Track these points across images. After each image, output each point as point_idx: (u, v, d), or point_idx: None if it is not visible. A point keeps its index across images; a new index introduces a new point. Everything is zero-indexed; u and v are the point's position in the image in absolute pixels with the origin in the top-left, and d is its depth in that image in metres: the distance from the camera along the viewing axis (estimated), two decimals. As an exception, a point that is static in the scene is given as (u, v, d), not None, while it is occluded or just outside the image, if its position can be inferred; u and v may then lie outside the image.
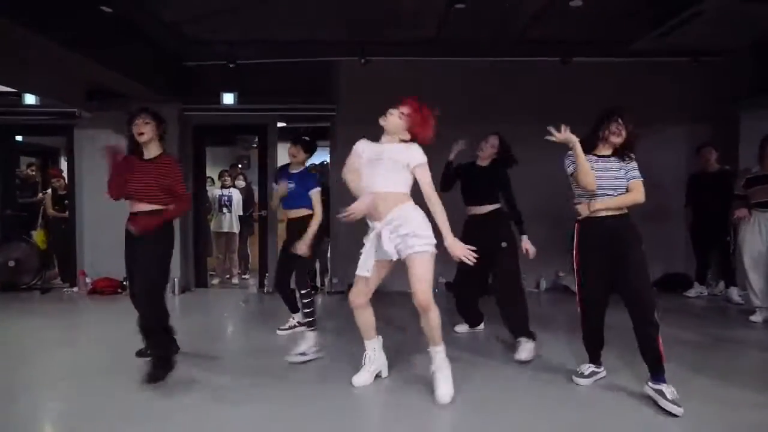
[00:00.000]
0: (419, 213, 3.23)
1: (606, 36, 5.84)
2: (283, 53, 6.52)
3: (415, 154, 3.23)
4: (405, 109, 3.25)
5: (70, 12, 4.64)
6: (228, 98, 6.79)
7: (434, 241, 3.19)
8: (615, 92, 6.67)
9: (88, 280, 6.87)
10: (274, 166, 7.39)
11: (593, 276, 3.32)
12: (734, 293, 6.07)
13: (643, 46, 5.19)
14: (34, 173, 8.33)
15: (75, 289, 6.95)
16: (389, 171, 3.21)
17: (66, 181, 7.42)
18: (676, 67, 6.63)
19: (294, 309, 4.79)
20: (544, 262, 6.83)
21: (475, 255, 3.18)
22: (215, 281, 7.96)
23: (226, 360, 4.03)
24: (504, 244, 4.32)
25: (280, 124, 7.59)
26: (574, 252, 3.40)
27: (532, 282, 7.03)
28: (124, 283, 6.73)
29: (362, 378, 3.45)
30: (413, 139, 3.29)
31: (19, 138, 8.08)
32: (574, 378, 3.47)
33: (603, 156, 3.35)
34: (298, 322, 4.75)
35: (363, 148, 3.37)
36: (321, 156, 10.53)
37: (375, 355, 3.51)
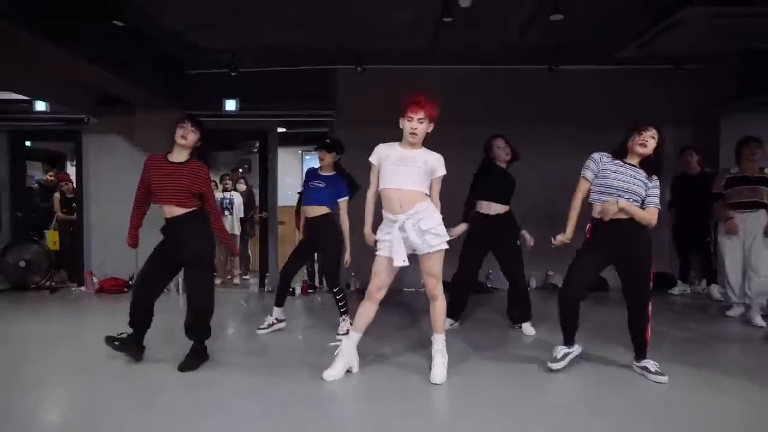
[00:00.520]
0: (437, 212, 3.54)
1: (591, 45, 6.10)
2: (283, 61, 6.79)
3: (441, 166, 3.58)
4: (421, 114, 3.48)
5: (82, 24, 4.89)
6: (230, 104, 7.06)
7: (448, 238, 3.54)
8: (601, 98, 7.03)
9: (95, 279, 7.13)
10: (275, 170, 7.69)
11: (587, 263, 3.64)
12: (715, 290, 6.32)
13: (626, 54, 5.44)
14: (52, 178, 8.59)
15: (83, 288, 7.21)
16: (420, 173, 3.48)
17: (74, 184, 7.70)
18: (659, 73, 6.91)
19: (279, 303, 4.93)
20: (535, 262, 7.15)
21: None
22: (217, 281, 8.17)
23: (228, 354, 4.22)
24: (519, 242, 4.87)
25: (280, 130, 7.86)
26: (586, 239, 3.72)
27: (522, 280, 7.31)
28: (130, 282, 7.01)
29: (334, 371, 3.57)
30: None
31: (27, 143, 8.35)
32: (549, 364, 3.70)
33: (630, 164, 3.62)
34: (276, 319, 4.95)
35: (385, 152, 3.58)
36: (315, 160, 10.86)
37: (350, 350, 3.65)
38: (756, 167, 5.25)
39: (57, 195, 7.87)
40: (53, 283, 7.28)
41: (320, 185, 4.85)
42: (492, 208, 4.81)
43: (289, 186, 9.97)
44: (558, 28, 5.02)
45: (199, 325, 3.87)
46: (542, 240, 6.56)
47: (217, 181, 9.00)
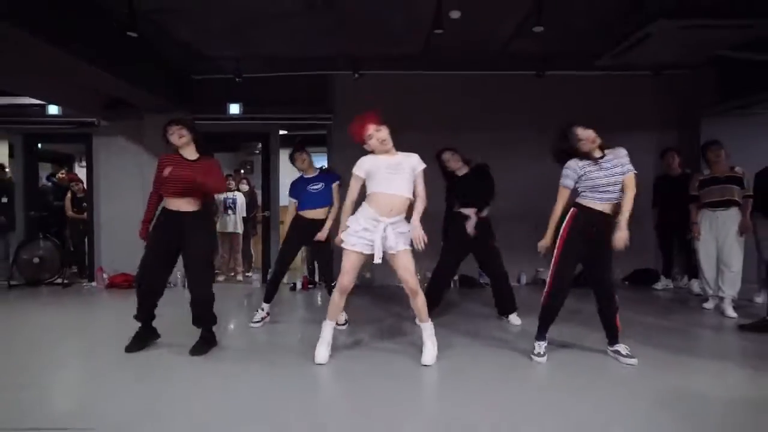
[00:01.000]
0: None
1: (574, 53, 6.42)
2: (284, 68, 7.11)
3: (420, 162, 3.88)
4: (372, 127, 3.83)
5: (95, 32, 5.21)
6: (234, 108, 7.41)
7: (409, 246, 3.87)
8: (587, 102, 7.28)
9: (105, 275, 7.47)
10: (277, 170, 8.01)
11: (573, 260, 3.91)
12: (695, 285, 6.63)
13: (605, 62, 5.75)
14: (64, 176, 8.92)
15: (94, 283, 7.55)
16: (409, 179, 3.82)
17: (84, 184, 8.04)
18: (642, 79, 7.24)
19: (269, 299, 5.21)
20: (525, 260, 7.45)
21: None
22: (221, 278, 8.50)
23: (231, 346, 4.52)
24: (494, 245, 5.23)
25: (281, 132, 8.19)
26: (563, 234, 3.91)
27: (513, 277, 7.59)
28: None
29: (323, 354, 3.93)
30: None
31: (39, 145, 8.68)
32: (534, 358, 3.99)
33: (597, 158, 3.88)
34: (267, 313, 5.25)
35: (371, 163, 3.85)
36: (319, 161, 11.17)
37: (329, 336, 4.00)
38: (726, 167, 5.56)
39: (69, 195, 8.19)
40: (65, 279, 7.60)
41: (318, 187, 5.12)
42: (467, 211, 5.12)
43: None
44: (542, 38, 5.30)
45: (204, 315, 4.22)
46: (529, 239, 6.90)
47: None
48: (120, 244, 7.46)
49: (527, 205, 7.05)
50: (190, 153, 4.21)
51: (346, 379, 3.72)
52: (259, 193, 9.06)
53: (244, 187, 9.23)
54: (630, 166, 3.86)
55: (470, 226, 5.05)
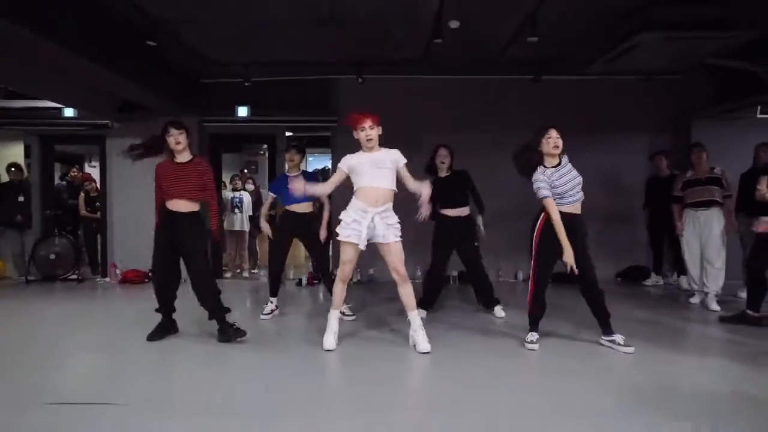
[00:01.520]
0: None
1: (570, 58, 6.70)
2: (290, 72, 7.37)
3: (401, 157, 4.22)
4: (368, 122, 4.13)
5: (109, 40, 5.50)
6: (242, 111, 7.70)
7: (400, 237, 4.20)
8: (582, 105, 7.57)
9: (118, 271, 7.76)
10: (284, 171, 8.28)
11: (550, 261, 4.20)
12: (684, 282, 6.86)
13: (597, 68, 6.02)
14: (76, 174, 9.22)
15: (107, 279, 7.85)
16: (391, 172, 4.15)
17: (97, 184, 8.33)
18: (633, 83, 7.48)
19: (274, 292, 5.55)
20: (521, 256, 7.73)
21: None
22: (228, 274, 8.77)
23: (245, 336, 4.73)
24: (476, 244, 5.48)
25: (287, 134, 8.48)
26: (536, 238, 4.22)
27: (510, 273, 7.93)
28: (150, 273, 7.63)
29: (331, 341, 4.24)
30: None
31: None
32: (527, 345, 4.26)
33: (554, 167, 4.18)
34: (276, 306, 5.57)
35: (356, 160, 4.18)
36: (323, 161, 11.47)
37: (335, 324, 4.32)
38: (706, 168, 5.84)
39: (82, 195, 8.48)
40: (79, 275, 7.90)
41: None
42: (452, 212, 5.40)
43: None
44: (537, 45, 5.57)
45: (214, 307, 4.47)
46: (526, 237, 7.17)
47: (227, 182, 9.62)
48: (132, 240, 7.74)
49: (524, 204, 7.27)
50: (184, 156, 4.49)
51: (353, 363, 4.01)
52: (264, 192, 9.32)
53: (250, 186, 9.47)
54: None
55: (481, 231, 5.45)
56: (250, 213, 9.07)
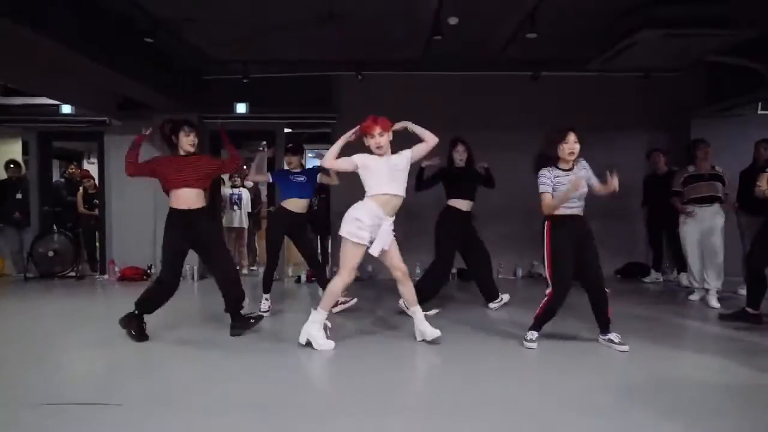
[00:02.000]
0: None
1: (569, 56, 6.69)
2: (289, 69, 7.37)
3: (406, 153, 4.21)
4: (378, 129, 4.10)
5: (108, 37, 5.49)
6: (241, 107, 7.69)
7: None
8: (580, 103, 7.54)
9: (116, 268, 7.76)
10: (282, 167, 8.28)
11: (567, 264, 4.10)
12: (684, 279, 6.86)
13: (597, 66, 6.01)
14: (74, 170, 9.21)
15: (105, 276, 7.84)
16: (405, 177, 4.19)
17: (95, 181, 8.32)
18: (632, 81, 7.48)
19: (267, 289, 5.51)
20: (520, 253, 7.77)
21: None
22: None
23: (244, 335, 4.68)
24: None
25: (286, 130, 8.46)
26: (547, 244, 4.16)
27: (509, 270, 7.93)
28: (149, 270, 7.64)
29: (322, 343, 4.16)
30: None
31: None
32: (526, 344, 4.22)
33: (566, 170, 4.14)
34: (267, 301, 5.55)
35: (373, 163, 4.13)
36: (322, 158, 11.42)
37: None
38: (708, 165, 5.84)
39: (80, 192, 8.47)
40: (78, 272, 7.90)
41: (301, 178, 5.45)
42: (462, 205, 5.46)
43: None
44: (536, 43, 5.57)
45: (240, 296, 4.47)
46: (526, 233, 7.16)
47: (226, 178, 9.59)
48: (130, 238, 7.75)
49: (523, 201, 7.27)
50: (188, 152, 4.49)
51: (351, 362, 3.99)
52: (263, 189, 9.33)
53: (249, 183, 9.47)
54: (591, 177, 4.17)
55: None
56: (249, 209, 9.08)
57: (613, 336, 4.19)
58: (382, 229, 4.10)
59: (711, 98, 7.30)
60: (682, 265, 6.98)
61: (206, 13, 5.39)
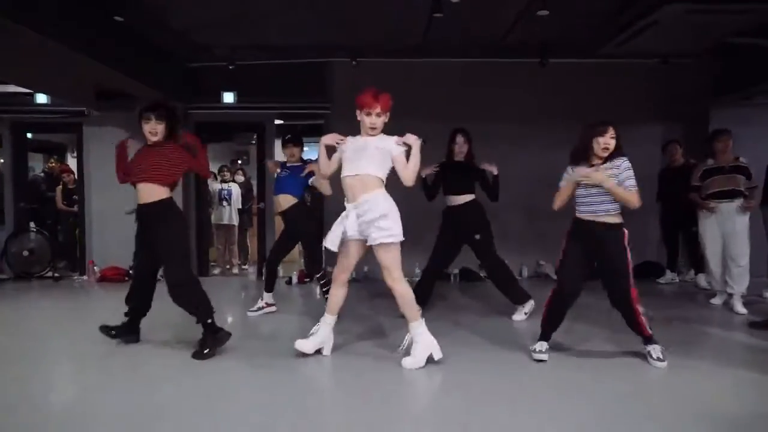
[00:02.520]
0: (388, 203, 3.61)
1: (579, 40, 6.23)
2: (280, 55, 6.92)
3: (396, 146, 3.61)
4: (377, 108, 3.59)
5: (85, 20, 5.07)
6: (228, 97, 7.24)
7: (395, 233, 3.57)
8: (590, 92, 7.12)
9: (96, 269, 7.30)
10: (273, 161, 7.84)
11: (573, 268, 3.71)
12: (701, 279, 6.45)
13: (609, 50, 5.57)
14: (54, 164, 8.75)
15: (85, 277, 7.38)
16: (373, 157, 3.60)
17: (75, 176, 7.85)
18: (647, 68, 7.04)
19: (269, 288, 5.21)
20: (525, 252, 7.33)
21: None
22: (216, 271, 8.36)
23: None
24: (477, 237, 4.98)
25: (277, 122, 8.01)
26: (563, 244, 3.80)
27: (514, 270, 7.43)
28: (131, 271, 7.17)
29: (306, 344, 3.74)
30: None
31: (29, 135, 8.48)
32: (534, 355, 3.76)
33: (592, 165, 3.68)
34: (266, 303, 5.23)
35: (347, 145, 3.72)
36: (314, 152, 10.98)
37: (325, 330, 3.81)
38: (731, 156, 5.39)
39: (59, 187, 8.01)
40: (55, 273, 7.44)
41: (285, 174, 5.13)
42: (455, 200, 5.02)
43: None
44: (543, 26, 5.16)
45: (189, 305, 3.84)
46: (532, 231, 6.74)
47: (216, 173, 9.16)
48: (111, 236, 7.26)
49: (527, 197, 6.91)
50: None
51: (345, 374, 3.61)
52: (255, 183, 8.87)
53: (240, 177, 9.08)
54: (632, 182, 3.62)
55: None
56: (239, 206, 8.67)
57: (651, 349, 3.71)
58: (342, 219, 3.65)
59: (730, 85, 6.82)
60: (699, 265, 6.58)
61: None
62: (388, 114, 3.68)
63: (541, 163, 7.13)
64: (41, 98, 7.03)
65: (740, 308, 5.23)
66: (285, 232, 5.29)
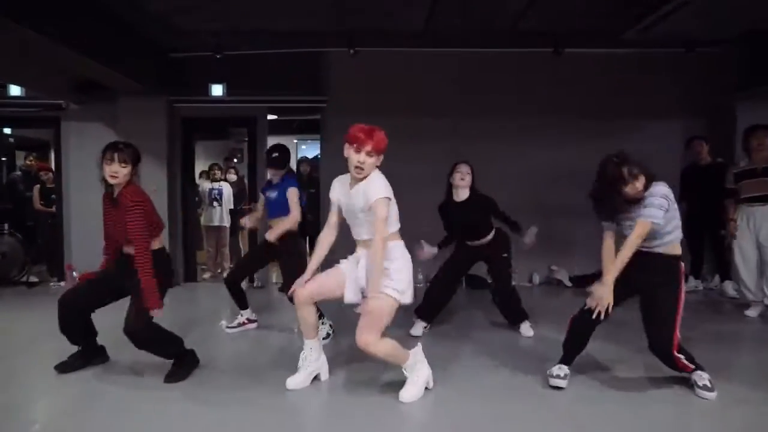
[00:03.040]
0: (404, 258, 3.13)
1: (599, 27, 5.72)
2: (272, 44, 6.42)
3: (375, 190, 3.03)
4: (369, 147, 3.03)
5: (55, 4, 4.58)
6: (216, 90, 6.73)
7: (403, 292, 3.05)
8: (608, 84, 6.71)
9: (75, 273, 6.78)
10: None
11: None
12: (729, 287, 5.99)
13: (634, 36, 5.10)
14: (32, 162, 8.27)
15: (62, 283, 6.87)
16: (365, 221, 3.10)
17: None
18: (669, 58, 6.54)
19: (243, 305, 4.73)
20: (536, 257, 6.80)
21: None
22: (206, 275, 7.88)
23: (209, 360, 3.83)
24: (505, 255, 4.57)
25: (271, 117, 7.51)
26: None
27: (524, 276, 6.97)
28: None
29: (298, 380, 3.29)
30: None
31: (7, 131, 8.01)
32: (551, 380, 3.29)
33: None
34: (248, 319, 4.76)
35: (339, 191, 3.25)
36: (313, 149, 10.52)
37: (312, 356, 3.34)
38: (766, 155, 4.94)
39: (37, 186, 7.52)
40: (29, 278, 6.95)
41: (274, 194, 4.55)
42: (472, 243, 4.56)
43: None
44: (557, 11, 4.65)
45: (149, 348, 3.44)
46: (543, 233, 6.25)
47: (207, 170, 8.68)
48: (92, 238, 6.71)
49: (539, 196, 6.46)
50: (117, 188, 3.34)
51: (313, 413, 3.14)
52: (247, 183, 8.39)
53: (232, 177, 8.61)
54: (648, 211, 3.07)
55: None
56: (231, 206, 8.19)
57: (696, 377, 3.20)
58: (353, 267, 3.17)
59: (759, 77, 6.29)
60: (725, 272, 6.10)
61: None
62: (380, 157, 3.11)
63: (552, 160, 6.71)
64: (15, 90, 6.51)
65: (781, 321, 4.73)
66: (263, 248, 4.68)
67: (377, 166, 3.11)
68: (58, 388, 3.37)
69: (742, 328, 4.82)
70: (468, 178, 4.43)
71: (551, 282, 6.97)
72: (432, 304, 4.60)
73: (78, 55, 5.01)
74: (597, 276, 3.28)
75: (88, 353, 3.66)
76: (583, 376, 3.43)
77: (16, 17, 4.08)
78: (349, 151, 3.08)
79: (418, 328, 4.53)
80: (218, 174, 8.23)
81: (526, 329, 4.56)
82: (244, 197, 8.35)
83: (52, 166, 7.93)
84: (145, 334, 3.32)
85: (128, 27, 5.82)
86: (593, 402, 3.13)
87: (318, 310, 3.83)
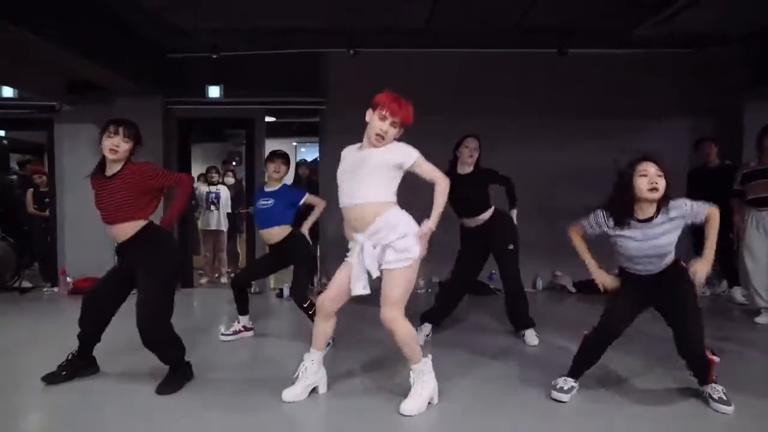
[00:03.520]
0: (404, 220, 2.96)
1: (604, 26, 5.59)
2: (270, 44, 6.30)
3: (407, 152, 2.93)
4: (397, 117, 2.92)
5: (54, 5, 4.49)
6: (213, 91, 6.59)
7: (414, 252, 2.92)
8: (613, 84, 6.59)
9: (68, 279, 6.66)
10: (262, 162, 7.22)
11: (624, 307, 3.14)
12: (737, 293, 5.85)
13: (643, 33, 4.98)
14: (29, 166, 8.16)
15: (56, 289, 6.74)
16: (372, 177, 2.92)
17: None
18: (676, 58, 6.43)
19: (243, 311, 4.61)
20: (540, 261, 6.68)
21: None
22: (203, 280, 7.75)
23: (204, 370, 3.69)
24: (511, 246, 4.39)
25: (269, 119, 7.38)
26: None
27: (528, 281, 6.81)
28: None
29: (294, 392, 3.15)
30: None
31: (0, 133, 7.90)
32: (554, 393, 3.15)
33: (644, 220, 3.07)
34: (244, 327, 4.63)
35: (343, 161, 3.11)
36: (312, 152, 10.39)
37: (313, 368, 3.19)
38: None
39: (31, 190, 7.39)
40: (21, 284, 6.82)
41: (268, 203, 4.41)
42: (471, 222, 4.43)
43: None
44: (564, 8, 4.56)
45: (162, 354, 3.37)
46: (548, 237, 6.11)
47: (205, 174, 8.55)
48: (86, 243, 6.63)
49: (543, 199, 6.33)
50: (114, 166, 3.27)
51: (339, 418, 2.99)
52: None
53: (230, 180, 8.48)
54: (697, 205, 3.16)
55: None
56: (229, 210, 8.06)
57: (710, 390, 3.06)
58: (356, 254, 3.00)
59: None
60: (733, 277, 5.96)
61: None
62: (402, 130, 3.00)
63: (556, 163, 6.60)
64: (7, 91, 6.39)
65: (794, 329, 4.60)
66: (274, 256, 4.59)
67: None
68: (44, 400, 3.24)
69: (753, 336, 4.66)
70: (476, 155, 4.36)
71: (555, 287, 6.84)
72: (443, 307, 4.56)
73: (77, 56, 4.95)
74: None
75: (77, 363, 3.51)
76: (592, 389, 3.28)
77: (14, 19, 4.01)
78: (372, 117, 2.95)
79: (420, 335, 4.40)
80: (216, 177, 8.10)
81: (530, 337, 4.42)
82: (242, 201, 8.24)
83: (41, 168, 7.84)
84: (160, 333, 3.25)
85: (127, 27, 5.72)
86: (601, 416, 2.99)
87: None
